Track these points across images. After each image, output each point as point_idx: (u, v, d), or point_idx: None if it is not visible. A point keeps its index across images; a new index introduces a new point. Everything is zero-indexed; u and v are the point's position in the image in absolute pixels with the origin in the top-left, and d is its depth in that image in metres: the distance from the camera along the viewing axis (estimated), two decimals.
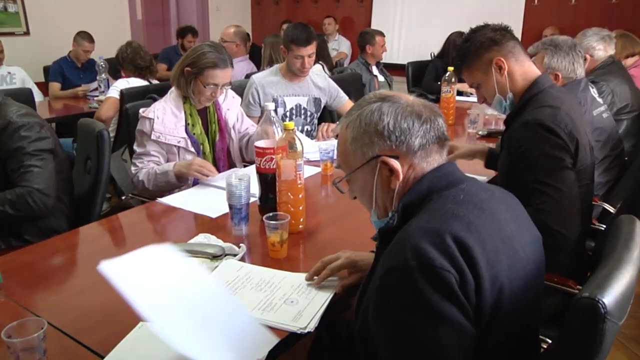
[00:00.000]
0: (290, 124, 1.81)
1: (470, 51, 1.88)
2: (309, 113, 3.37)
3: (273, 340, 1.24)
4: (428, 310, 0.99)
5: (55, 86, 4.96)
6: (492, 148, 2.40)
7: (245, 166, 2.76)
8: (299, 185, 1.83)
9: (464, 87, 4.68)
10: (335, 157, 2.53)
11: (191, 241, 1.77)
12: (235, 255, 1.67)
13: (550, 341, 1.39)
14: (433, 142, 1.16)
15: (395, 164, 1.15)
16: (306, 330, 1.30)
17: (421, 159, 1.16)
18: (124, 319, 1.38)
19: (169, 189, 2.39)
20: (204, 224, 2.01)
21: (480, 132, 3.29)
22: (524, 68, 1.88)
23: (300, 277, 1.52)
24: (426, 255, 0.99)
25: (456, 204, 1.09)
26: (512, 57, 1.86)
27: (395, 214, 1.16)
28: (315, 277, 1.50)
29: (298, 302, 1.41)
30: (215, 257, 1.62)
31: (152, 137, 2.49)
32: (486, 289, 1.00)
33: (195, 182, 2.49)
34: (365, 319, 1.14)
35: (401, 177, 1.16)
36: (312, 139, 3.22)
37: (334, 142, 2.68)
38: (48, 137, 2.15)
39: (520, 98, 1.87)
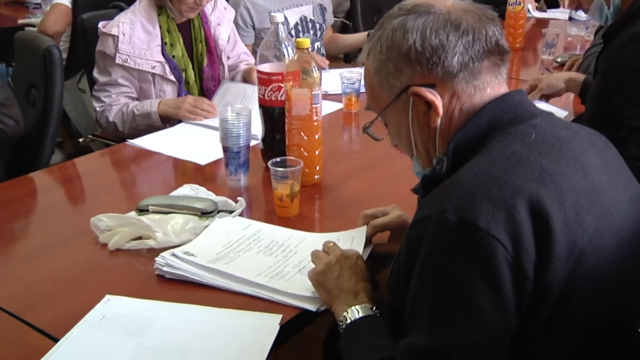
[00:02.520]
0: (305, 41, 1.84)
1: None
2: (317, 25, 3.38)
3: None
4: (452, 288, 1.02)
5: None
6: (590, 77, 2.29)
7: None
8: (315, 123, 1.87)
9: None
10: (361, 89, 2.56)
11: (173, 194, 1.83)
12: (231, 211, 1.73)
13: None
14: (480, 58, 1.16)
15: (431, 94, 1.17)
16: (322, 308, 1.36)
17: (466, 83, 1.17)
18: (84, 291, 1.45)
19: (151, 132, 2.45)
20: (189, 172, 2.07)
21: (559, 59, 3.29)
22: None
23: (326, 238, 1.58)
24: (472, 210, 1.01)
25: (525, 146, 1.11)
26: None
27: (443, 159, 1.18)
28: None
29: None
30: (205, 214, 1.68)
31: (117, 60, 2.51)
32: (559, 258, 1.03)
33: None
34: (395, 287, 1.19)
35: (441, 110, 1.18)
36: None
37: (361, 70, 2.71)
38: None
39: (632, 4, 1.82)
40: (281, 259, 1.53)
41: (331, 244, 1.44)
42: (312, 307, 1.37)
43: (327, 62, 3.21)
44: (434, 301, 1.04)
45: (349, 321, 1.27)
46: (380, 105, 1.25)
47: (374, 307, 1.29)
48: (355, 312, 1.28)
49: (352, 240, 1.55)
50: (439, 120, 1.19)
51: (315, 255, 1.42)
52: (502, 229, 1.00)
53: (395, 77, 1.19)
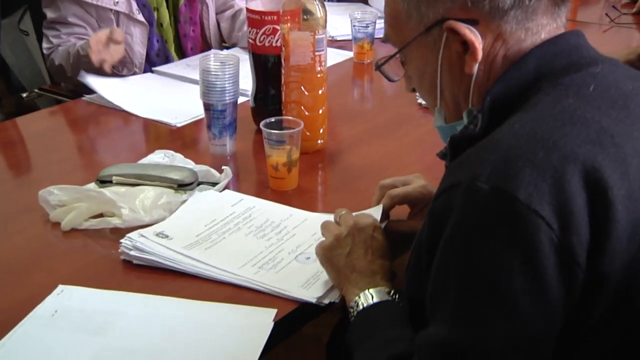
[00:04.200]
0: None
1: None
2: None
3: None
4: (482, 272, 1.03)
5: None
6: None
7: (227, 49, 2.82)
8: (319, 75, 1.88)
9: None
10: (377, 33, 2.57)
11: (142, 161, 1.85)
12: (214, 184, 1.75)
13: None
14: None
15: (471, 32, 1.17)
16: (325, 301, 1.38)
17: (517, 24, 1.17)
18: (31, 280, 1.47)
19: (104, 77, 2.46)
20: (162, 135, 2.09)
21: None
22: None
23: (332, 219, 1.60)
24: (510, 178, 1.01)
25: (581, 99, 1.11)
26: None
27: (478, 116, 1.18)
28: None
29: (317, 258, 1.48)
30: (182, 186, 1.70)
31: None
32: (620, 239, 1.03)
33: (147, 70, 2.57)
34: (414, 270, 1.21)
35: (480, 55, 1.17)
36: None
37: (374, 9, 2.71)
38: None
39: None
40: (275, 242, 1.56)
41: (344, 212, 1.45)
42: (309, 298, 1.38)
43: None
44: (459, 287, 1.05)
45: (360, 308, 1.29)
46: (403, 38, 1.25)
47: (392, 292, 1.31)
48: (368, 297, 1.30)
49: None
50: (476, 67, 1.19)
51: (324, 226, 1.44)
52: (546, 202, 1.00)
53: (429, 6, 1.19)
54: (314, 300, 1.38)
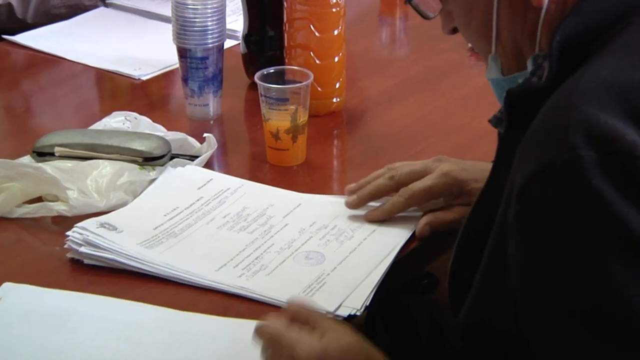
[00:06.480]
0: None
1: None
2: None
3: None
4: (623, 241, 1.00)
5: None
6: None
7: None
8: (334, 10, 1.90)
9: None
10: None
11: (95, 126, 1.87)
12: (193, 157, 1.77)
13: None
14: None
15: None
16: (342, 314, 1.37)
17: None
18: None
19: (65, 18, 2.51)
20: (121, 92, 2.12)
21: None
22: None
23: (339, 203, 1.62)
24: (618, 136, 1.00)
25: None
26: None
27: (543, 63, 1.20)
28: (373, 206, 1.58)
29: (324, 258, 1.51)
30: (149, 160, 1.72)
31: None
32: None
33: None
34: (485, 290, 1.20)
35: None
36: None
37: None
38: None
39: None
40: (260, 235, 1.57)
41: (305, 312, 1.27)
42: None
43: None
44: (590, 266, 1.01)
45: None
46: None
47: None
48: None
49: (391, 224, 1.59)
50: (546, 0, 1.20)
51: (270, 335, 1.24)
52: None
53: None
54: (331, 309, 1.37)
